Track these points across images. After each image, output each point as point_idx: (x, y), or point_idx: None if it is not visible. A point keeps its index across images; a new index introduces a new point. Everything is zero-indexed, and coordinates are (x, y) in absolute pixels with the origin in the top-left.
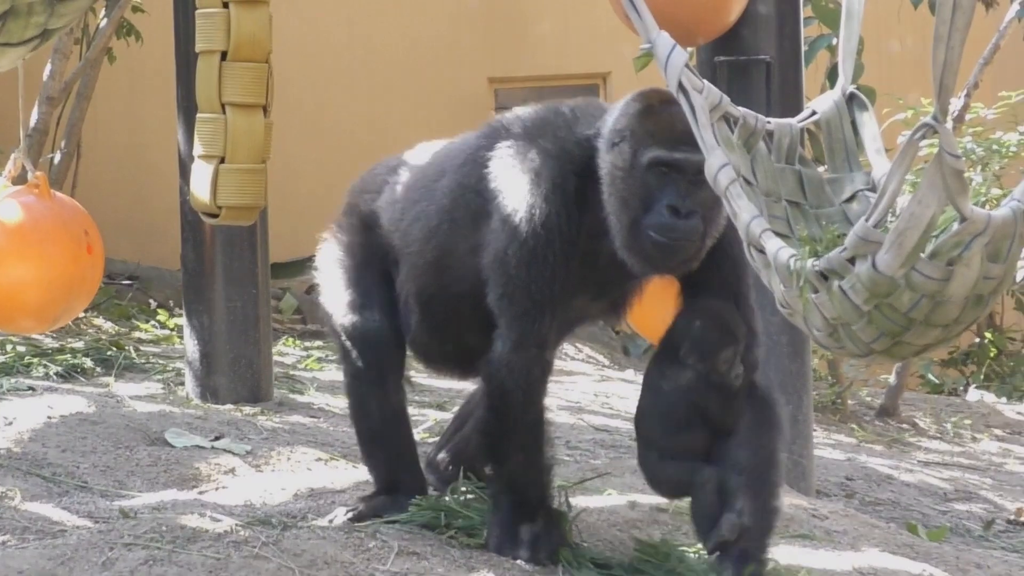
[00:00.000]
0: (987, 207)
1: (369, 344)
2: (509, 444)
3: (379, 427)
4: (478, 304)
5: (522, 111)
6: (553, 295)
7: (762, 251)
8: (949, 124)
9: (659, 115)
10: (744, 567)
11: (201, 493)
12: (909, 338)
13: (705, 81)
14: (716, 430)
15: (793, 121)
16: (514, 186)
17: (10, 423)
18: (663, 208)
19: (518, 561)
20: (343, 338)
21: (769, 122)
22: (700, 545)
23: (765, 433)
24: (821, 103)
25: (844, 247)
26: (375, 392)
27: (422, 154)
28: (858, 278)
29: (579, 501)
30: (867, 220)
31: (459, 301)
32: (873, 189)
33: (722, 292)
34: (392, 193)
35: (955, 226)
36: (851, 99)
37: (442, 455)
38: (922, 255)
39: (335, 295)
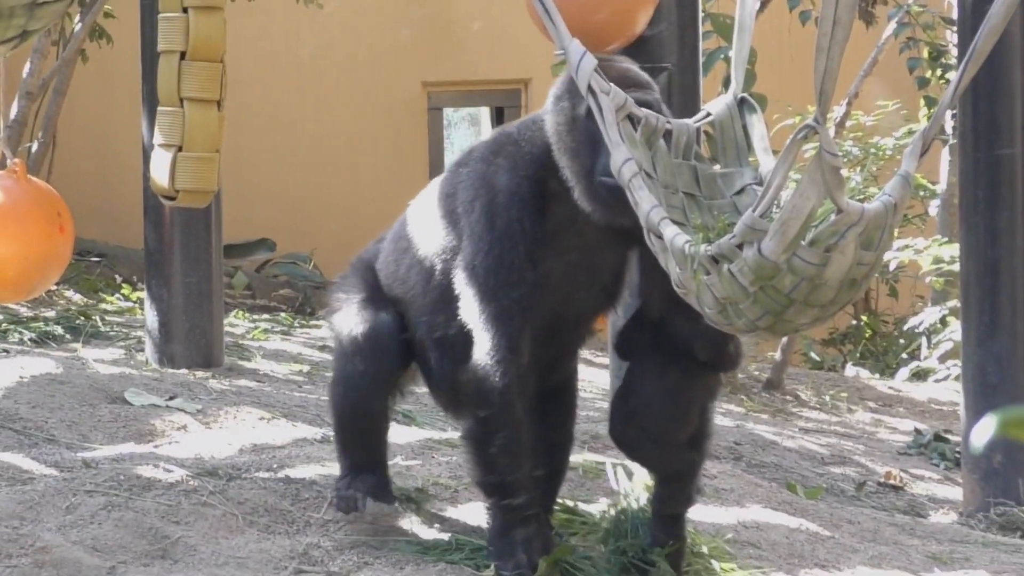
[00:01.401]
0: (864, 202)
1: (381, 346)
2: (493, 448)
3: (371, 424)
4: None
5: (482, 141)
6: (522, 300)
7: (660, 237)
8: (831, 128)
9: (610, 70)
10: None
11: (156, 447)
12: (790, 316)
13: (612, 84)
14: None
15: (690, 121)
16: (475, 203)
17: None
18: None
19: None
20: (351, 339)
21: (669, 122)
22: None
23: (710, 406)
24: (715, 106)
25: (733, 234)
26: (376, 391)
27: (409, 211)
28: (745, 262)
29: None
30: (754, 211)
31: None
32: (760, 183)
33: None
34: (384, 252)
35: (832, 217)
36: (742, 103)
37: None
38: (802, 242)
39: (348, 316)
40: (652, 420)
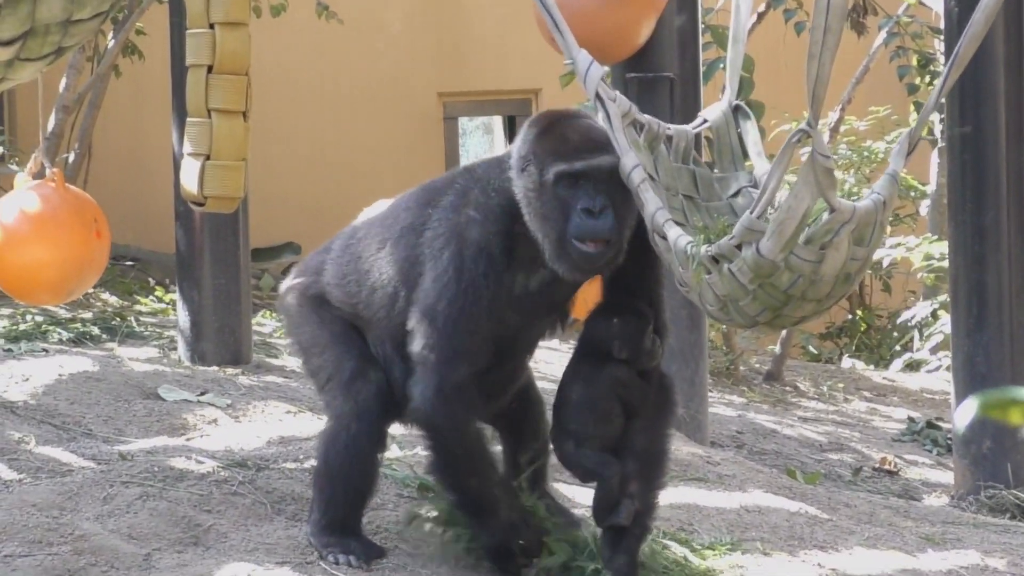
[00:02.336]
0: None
1: (381, 406)
2: (461, 474)
3: (368, 482)
4: None
5: (446, 182)
6: (475, 347)
7: (664, 237)
8: (825, 133)
9: (554, 133)
10: (636, 545)
11: (188, 440)
12: (788, 311)
13: (617, 92)
14: (630, 417)
15: (688, 128)
16: (444, 252)
17: (27, 379)
18: (579, 213)
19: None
20: (346, 400)
21: (669, 128)
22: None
23: (662, 419)
24: (711, 112)
25: (732, 235)
26: (374, 448)
27: (356, 229)
28: (744, 261)
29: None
30: (752, 213)
31: None
32: (755, 186)
33: (639, 284)
34: (338, 269)
35: (825, 216)
36: (736, 110)
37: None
38: (799, 241)
39: (330, 360)
40: (572, 417)
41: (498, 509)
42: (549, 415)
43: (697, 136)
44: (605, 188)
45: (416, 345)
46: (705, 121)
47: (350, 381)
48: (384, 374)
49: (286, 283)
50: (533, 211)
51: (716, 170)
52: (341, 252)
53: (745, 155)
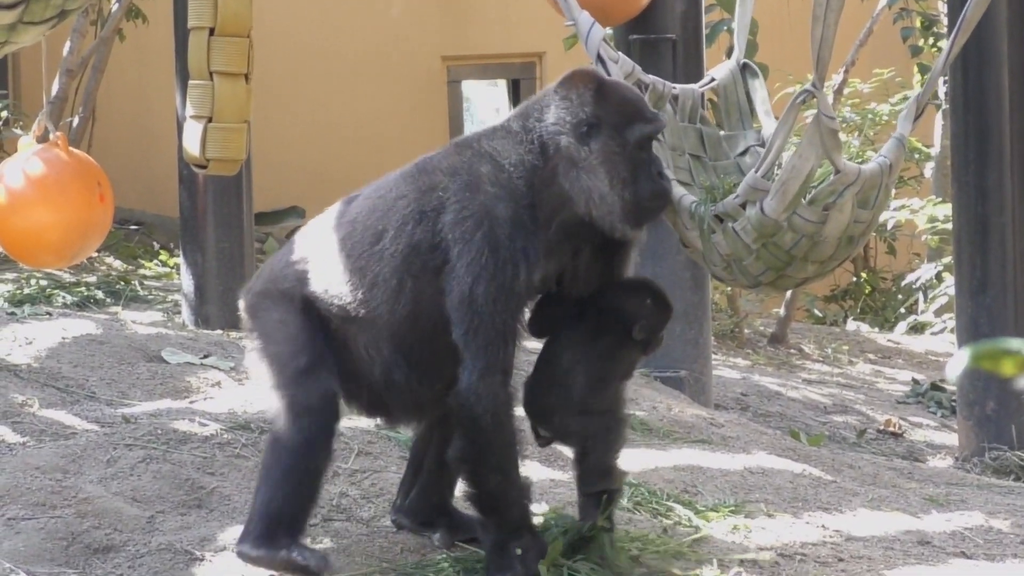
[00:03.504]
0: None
1: (328, 405)
2: (486, 468)
3: (315, 484)
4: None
5: (444, 162)
6: (516, 326)
7: None
8: (830, 95)
9: (613, 96)
10: (613, 507)
11: (192, 403)
12: (791, 272)
13: (620, 53)
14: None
15: (695, 87)
16: (477, 233)
17: (30, 342)
18: (653, 175)
19: None
20: (297, 396)
21: (675, 88)
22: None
23: (623, 388)
24: (719, 71)
25: (737, 194)
26: (325, 450)
27: (331, 228)
28: (748, 220)
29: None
30: (756, 171)
31: (436, 340)
32: (763, 145)
33: (621, 253)
34: (320, 275)
35: (831, 178)
36: (744, 68)
37: (412, 499)
38: (802, 201)
39: (284, 355)
40: (575, 385)
41: (511, 511)
42: None
43: (703, 96)
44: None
45: (457, 332)
46: (713, 80)
47: (302, 376)
48: (334, 376)
49: (251, 285)
50: (614, 173)
51: (723, 129)
52: (319, 254)
53: (753, 114)
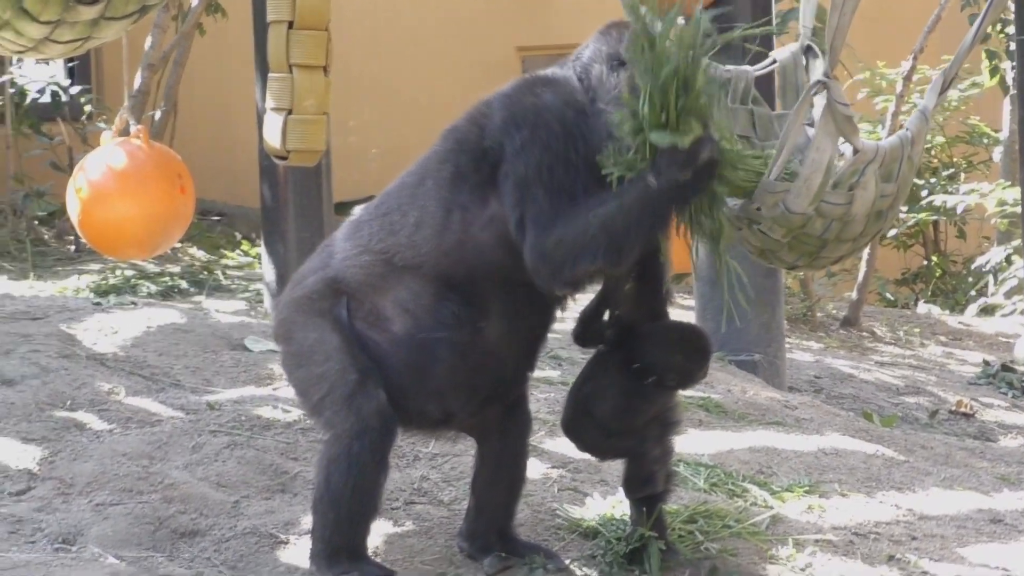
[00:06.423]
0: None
1: (384, 421)
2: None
3: (374, 501)
4: (506, 274)
5: (479, 105)
6: (577, 188)
7: None
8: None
9: None
10: (662, 506)
11: (275, 389)
12: (825, 254)
13: None
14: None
15: (749, 68)
16: (523, 120)
17: (116, 332)
18: None
19: None
20: (350, 417)
21: (728, 70)
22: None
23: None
24: (781, 52)
25: (753, 200)
26: (383, 464)
27: (364, 210)
28: (773, 220)
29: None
30: (768, 175)
31: (487, 276)
32: (813, 124)
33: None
34: (355, 242)
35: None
36: (808, 50)
37: (467, 524)
38: (827, 188)
39: (331, 375)
40: (603, 409)
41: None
42: (535, 440)
43: (770, 79)
44: None
45: (515, 213)
46: (774, 61)
47: (352, 394)
48: (383, 390)
49: (280, 298)
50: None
51: (779, 110)
52: (355, 228)
53: None
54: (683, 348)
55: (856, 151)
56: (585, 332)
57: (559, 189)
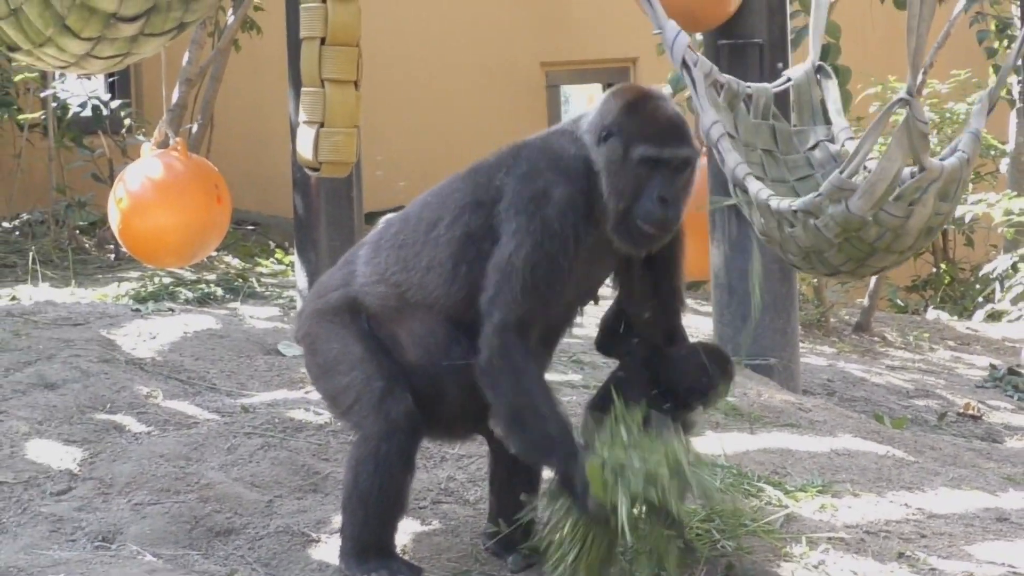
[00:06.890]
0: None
1: (411, 422)
2: (520, 421)
3: (402, 500)
4: None
5: (502, 159)
6: (554, 293)
7: (745, 191)
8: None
9: (642, 112)
10: None
11: (307, 393)
12: (872, 262)
13: (699, 54)
14: None
15: (769, 85)
16: (528, 208)
17: (154, 337)
18: (654, 197)
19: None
20: (379, 419)
21: (749, 86)
22: None
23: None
24: (795, 71)
25: (819, 193)
26: (410, 464)
27: (386, 230)
28: (832, 218)
29: None
30: (841, 172)
31: None
32: (832, 140)
33: (669, 264)
34: (375, 267)
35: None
36: (819, 70)
37: (488, 524)
38: (889, 198)
39: (358, 383)
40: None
41: (555, 449)
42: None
43: (785, 94)
44: (679, 177)
45: (487, 293)
46: (788, 79)
47: (380, 400)
48: (410, 394)
49: (303, 307)
50: (611, 184)
51: (795, 125)
52: (374, 252)
53: (825, 112)
54: (709, 371)
55: (923, 168)
56: (606, 340)
57: (535, 288)
